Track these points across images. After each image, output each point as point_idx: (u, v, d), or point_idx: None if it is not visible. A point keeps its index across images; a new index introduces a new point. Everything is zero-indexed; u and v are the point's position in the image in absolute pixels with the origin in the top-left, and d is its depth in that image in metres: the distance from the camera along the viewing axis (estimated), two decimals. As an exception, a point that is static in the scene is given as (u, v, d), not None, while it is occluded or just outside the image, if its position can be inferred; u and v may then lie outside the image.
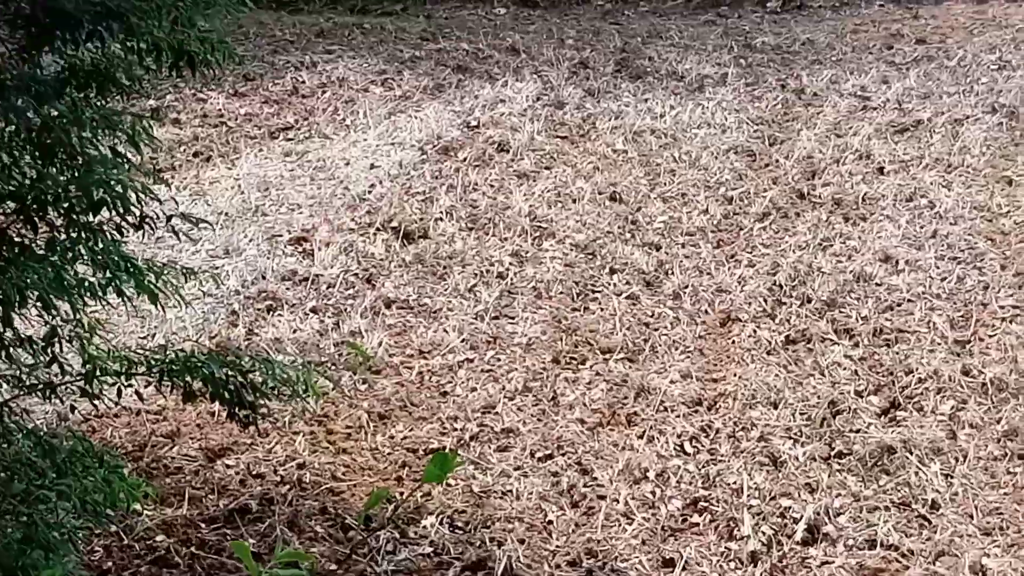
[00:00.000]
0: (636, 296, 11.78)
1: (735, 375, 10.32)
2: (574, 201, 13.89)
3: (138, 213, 4.83)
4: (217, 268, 12.12)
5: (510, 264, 12.40)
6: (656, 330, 11.15)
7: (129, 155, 5.18)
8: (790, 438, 9.45)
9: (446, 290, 11.90)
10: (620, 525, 8.50)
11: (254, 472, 9.02)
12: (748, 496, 8.70)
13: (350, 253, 12.61)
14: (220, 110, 16.65)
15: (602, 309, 11.55)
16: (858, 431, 9.53)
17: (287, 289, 11.83)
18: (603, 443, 9.39)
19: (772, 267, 12.29)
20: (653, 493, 8.80)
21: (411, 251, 12.63)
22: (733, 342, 10.94)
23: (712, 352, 10.79)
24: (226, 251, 12.60)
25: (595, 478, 8.96)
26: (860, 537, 8.41)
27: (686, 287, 11.90)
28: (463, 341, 10.94)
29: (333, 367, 10.42)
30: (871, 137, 15.60)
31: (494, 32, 20.52)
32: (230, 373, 6.62)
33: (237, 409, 6.84)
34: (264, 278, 12.05)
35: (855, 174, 14.53)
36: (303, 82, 17.74)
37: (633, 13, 22.05)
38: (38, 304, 4.36)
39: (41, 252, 4.46)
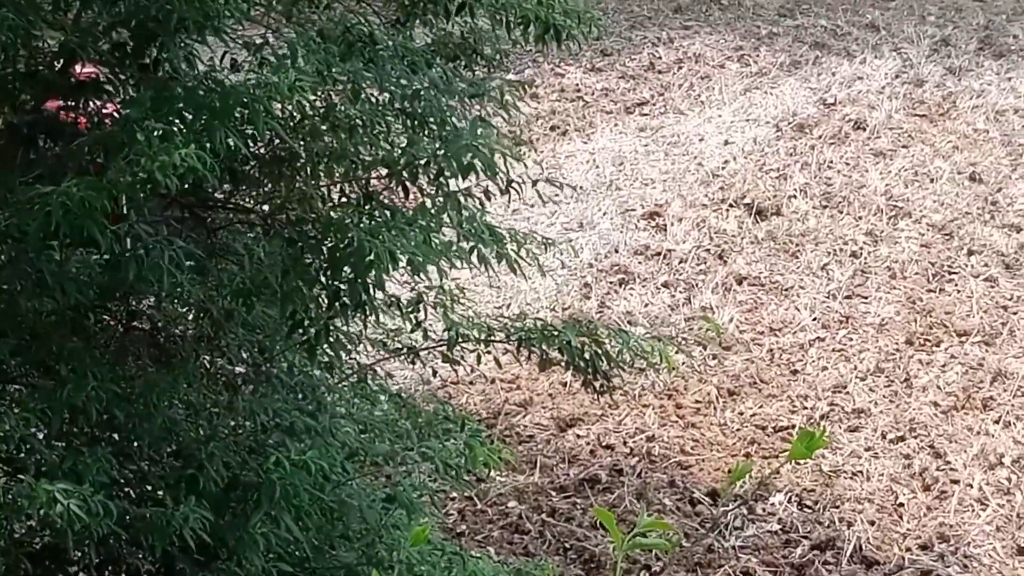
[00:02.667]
0: (995, 278, 11.50)
1: (1098, 362, 10.00)
2: (932, 181, 13.62)
3: (504, 178, 4.93)
4: (572, 240, 12.27)
5: (864, 243, 12.24)
6: (1015, 313, 10.87)
7: (496, 123, 5.31)
8: None
9: (798, 268, 11.82)
10: (974, 511, 8.34)
11: (604, 443, 9.12)
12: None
13: (702, 229, 12.62)
14: (577, 84, 16.81)
15: (959, 291, 11.32)
16: None
17: (639, 263, 11.90)
18: (957, 427, 9.21)
19: None
20: (1009, 480, 8.61)
21: (763, 228, 12.57)
22: (1097, 328, 10.60)
23: (1074, 338, 10.48)
24: (580, 224, 12.75)
25: (948, 462, 8.81)
26: None
27: (1048, 270, 11.58)
28: (814, 319, 10.85)
29: (683, 342, 10.45)
30: None
31: (853, 9, 20.19)
32: (586, 343, 6.71)
33: (592, 379, 6.93)
34: (617, 251, 12.15)
35: None
36: (659, 58, 17.79)
37: (998, -11, 21.44)
38: (407, 268, 4.51)
39: (411, 215, 4.60)
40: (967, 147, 14.48)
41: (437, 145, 4.78)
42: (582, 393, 8.96)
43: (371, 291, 4.56)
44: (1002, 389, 9.66)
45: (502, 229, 6.02)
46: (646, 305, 11.11)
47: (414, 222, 4.61)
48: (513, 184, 5.01)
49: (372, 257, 4.42)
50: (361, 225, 4.51)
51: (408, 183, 4.79)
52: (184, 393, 5.14)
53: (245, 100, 4.39)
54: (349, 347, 5.46)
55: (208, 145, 4.18)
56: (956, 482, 8.60)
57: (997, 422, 9.26)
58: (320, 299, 4.66)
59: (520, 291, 11.19)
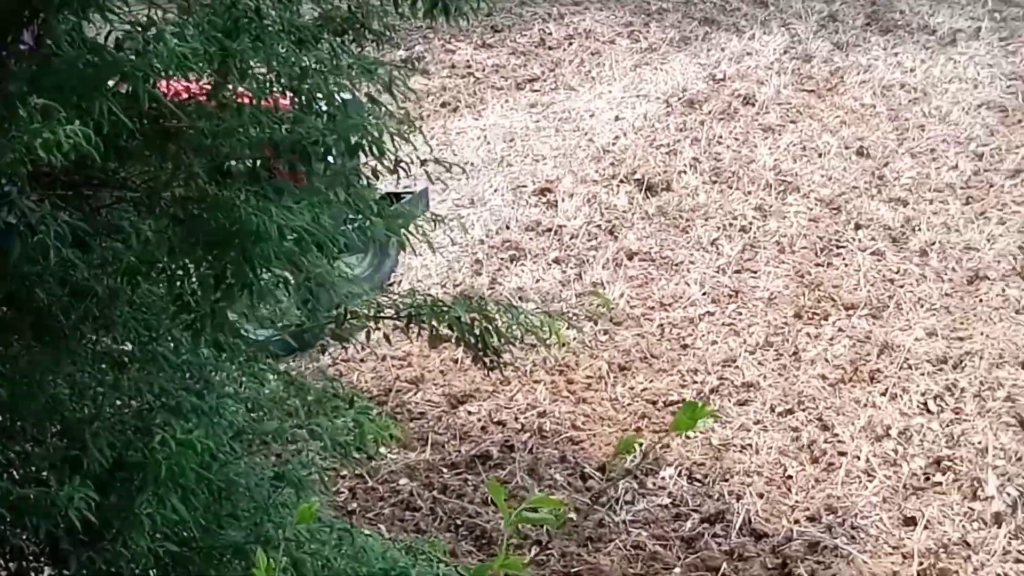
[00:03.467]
0: (882, 252, 11.63)
1: (982, 334, 10.13)
2: (820, 155, 13.75)
3: (393, 157, 4.90)
4: (463, 217, 12.27)
5: (753, 218, 12.33)
6: (901, 287, 11.00)
7: (387, 100, 5.28)
8: (1038, 400, 9.26)
9: (688, 243, 11.89)
10: (861, 482, 8.43)
11: (495, 419, 9.13)
12: (993, 456, 8.56)
13: (593, 205, 12.66)
14: (468, 61, 16.81)
15: (846, 265, 11.43)
16: (1110, 394, 9.30)
17: (530, 239, 11.93)
18: (845, 399, 9.31)
19: (1023, 225, 12.02)
20: (895, 451, 8.71)
21: (654, 203, 12.63)
22: (980, 300, 10.74)
23: (959, 310, 10.61)
24: (471, 201, 12.75)
25: (836, 434, 8.89)
26: (1109, 502, 8.22)
27: (933, 244, 11.71)
28: (704, 294, 10.92)
29: (575, 317, 10.48)
30: None
31: (741, -15, 20.33)
32: (476, 318, 6.70)
33: (483, 354, 6.92)
34: (508, 228, 12.16)
35: (1113, 131, 14.15)
36: (550, 34, 17.83)
37: (884, -35, 21.66)
38: (295, 246, 4.49)
39: (298, 194, 4.57)
40: (854, 122, 14.63)
41: (324, 124, 4.74)
42: (474, 370, 8.98)
43: (258, 270, 4.52)
44: (888, 362, 9.77)
45: (391, 207, 6.01)
46: (537, 281, 11.14)
47: (301, 200, 4.57)
48: (401, 164, 4.98)
49: (259, 234, 4.39)
50: (248, 202, 4.47)
51: (295, 162, 4.76)
52: (69, 372, 5.08)
53: (129, 72, 4.34)
54: (236, 327, 5.41)
55: (92, 122, 4.12)
56: (843, 454, 8.69)
57: (883, 394, 9.36)
58: (207, 280, 4.61)
59: (411, 268, 11.17)
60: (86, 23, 4.65)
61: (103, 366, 5.17)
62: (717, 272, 11.28)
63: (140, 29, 4.40)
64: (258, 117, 4.75)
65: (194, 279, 4.66)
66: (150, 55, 4.19)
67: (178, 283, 4.74)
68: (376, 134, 4.65)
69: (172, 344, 5.24)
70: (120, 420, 5.02)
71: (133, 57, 4.29)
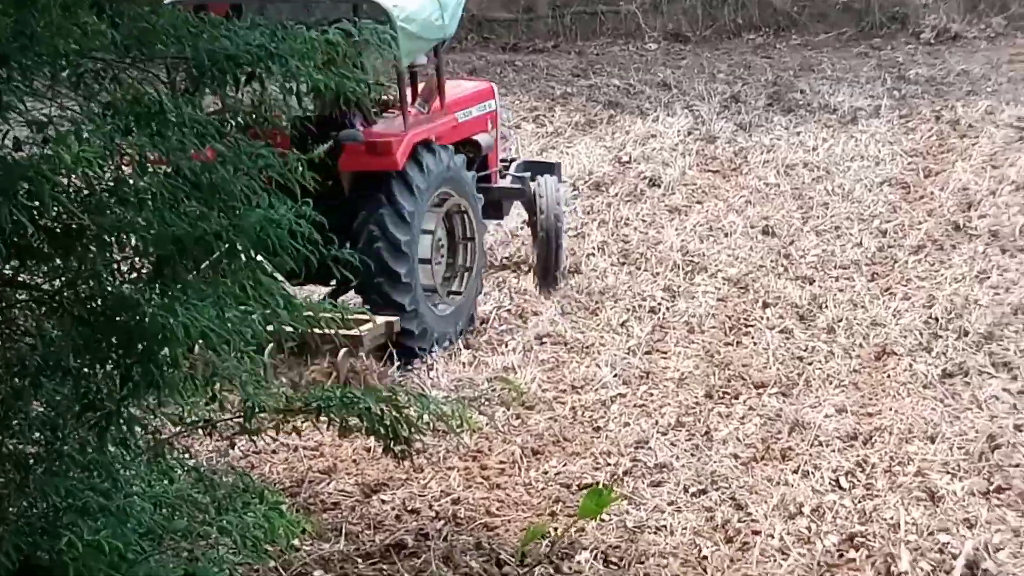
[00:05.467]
0: (790, 330, 11.71)
1: (891, 409, 10.21)
2: (726, 235, 13.86)
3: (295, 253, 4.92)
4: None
5: (662, 299, 12.40)
6: (810, 364, 11.07)
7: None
8: (948, 472, 9.33)
9: (598, 325, 11.93)
10: (775, 560, 8.44)
11: (409, 507, 9.08)
12: (905, 531, 8.60)
13: (503, 289, 12.69)
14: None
15: (755, 343, 11.50)
16: (1018, 465, 9.38)
17: (441, 325, 11.90)
18: (757, 478, 9.33)
19: (928, 300, 12.17)
20: (809, 528, 8.73)
21: (563, 286, 12.67)
22: (889, 376, 10.83)
23: (867, 386, 10.69)
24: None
25: (750, 513, 8.91)
26: (1021, 574, 8.27)
27: (840, 321, 11.81)
28: (615, 376, 10.94)
29: (486, 403, 10.47)
30: (1029, 168, 15.40)
31: (645, 67, 20.57)
32: (385, 408, 6.70)
33: (392, 444, 6.91)
34: (418, 314, 12.13)
35: (1012, 205, 14.34)
36: (456, 119, 17.88)
37: (785, 47, 21.97)
38: (200, 343, 4.47)
39: (204, 290, 4.56)
40: (759, 201, 14.77)
41: (229, 220, 4.75)
42: (386, 458, 8.93)
43: (165, 368, 4.50)
44: (800, 439, 9.82)
45: (298, 298, 6.00)
46: (448, 366, 11.12)
47: (207, 297, 4.57)
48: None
49: (165, 334, 4.37)
50: (153, 301, 4.46)
51: (200, 257, 4.76)
52: (-27, 475, 5.02)
53: (30, 174, 4.33)
54: (144, 423, 5.38)
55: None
56: (758, 533, 8.70)
57: (796, 472, 9.40)
58: (113, 378, 4.59)
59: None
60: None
61: (7, 467, 5.12)
62: (628, 354, 11.32)
63: (37, 128, 4.40)
64: (161, 212, 4.74)
65: (100, 378, 4.64)
66: (53, 159, 4.18)
67: (84, 382, 4.71)
68: (282, 228, 4.67)
69: (78, 444, 5.20)
70: (27, 522, 4.96)
71: (37, 159, 4.28)
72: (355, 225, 11.15)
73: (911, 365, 10.94)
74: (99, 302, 4.60)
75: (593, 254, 13.36)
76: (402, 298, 11.17)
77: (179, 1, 9.54)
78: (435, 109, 11.84)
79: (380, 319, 10.78)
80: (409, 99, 11.63)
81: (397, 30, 10.65)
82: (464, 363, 11.20)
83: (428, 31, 11.46)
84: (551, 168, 13.08)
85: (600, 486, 8.93)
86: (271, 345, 9.61)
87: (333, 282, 11.32)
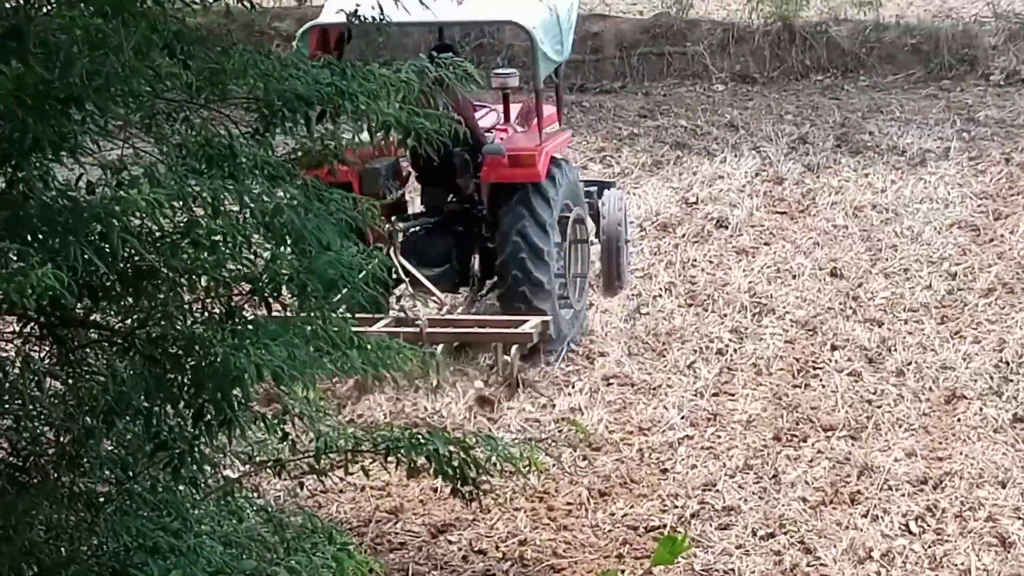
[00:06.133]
0: (858, 373, 11.63)
1: (961, 454, 10.12)
2: (794, 277, 13.80)
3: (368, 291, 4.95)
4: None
5: (729, 340, 12.35)
6: (879, 407, 11.00)
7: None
8: (1019, 518, 9.24)
9: (665, 366, 11.89)
10: (845, 605, 8.37)
11: (476, 548, 9.07)
12: (976, 577, 8.52)
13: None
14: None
15: (823, 386, 11.44)
16: (1091, 512, 9.29)
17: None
18: (826, 522, 9.27)
19: (998, 343, 12.06)
20: (879, 573, 8.67)
21: (630, 327, 12.64)
22: (959, 420, 10.74)
23: (937, 430, 10.61)
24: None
25: (818, 557, 8.85)
26: (1094, 621, 8.18)
27: (909, 364, 11.72)
28: (683, 418, 10.90)
29: (553, 443, 10.45)
30: (1100, 209, 15.28)
31: (712, 108, 20.52)
32: (453, 450, 6.71)
33: (460, 485, 6.91)
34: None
35: (1085, 248, 14.23)
36: (523, 160, 17.89)
37: (853, 88, 21.87)
38: (272, 381, 4.49)
39: (275, 330, 4.58)
40: (827, 243, 14.70)
41: (300, 261, 4.77)
42: (454, 499, 8.93)
43: (236, 408, 4.52)
44: (869, 483, 9.75)
45: (367, 338, 6.02)
46: (515, 408, 11.11)
47: (278, 336, 4.58)
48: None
49: (237, 373, 4.39)
50: (225, 341, 4.48)
51: (271, 298, 4.78)
52: (45, 514, 5.05)
53: (101, 216, 4.36)
54: (215, 462, 5.41)
55: (64, 264, 4.13)
56: (827, 577, 8.64)
57: (865, 516, 9.33)
58: (184, 417, 4.61)
59: (390, 396, 11.13)
60: (57, 165, 4.68)
61: (79, 507, 5.14)
62: (695, 395, 11.28)
63: (111, 171, 4.43)
64: (233, 254, 4.77)
65: (171, 418, 4.66)
66: (125, 201, 4.21)
67: (155, 422, 4.74)
68: (352, 268, 4.68)
69: (149, 483, 5.22)
70: (97, 562, 4.99)
71: (109, 201, 4.31)
72: (497, 235, 11.91)
73: (981, 409, 10.85)
74: (170, 342, 4.63)
75: (660, 295, 13.33)
76: (544, 304, 11.77)
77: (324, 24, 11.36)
78: (532, 128, 12.49)
79: (535, 319, 11.55)
80: (509, 117, 12.74)
81: (537, 51, 11.88)
82: (531, 404, 11.18)
83: (556, 54, 12.36)
84: (608, 186, 13.81)
85: (673, 533, 8.88)
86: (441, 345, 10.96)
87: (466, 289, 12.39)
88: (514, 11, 12.27)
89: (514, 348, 11.23)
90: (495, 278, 12.17)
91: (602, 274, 13.31)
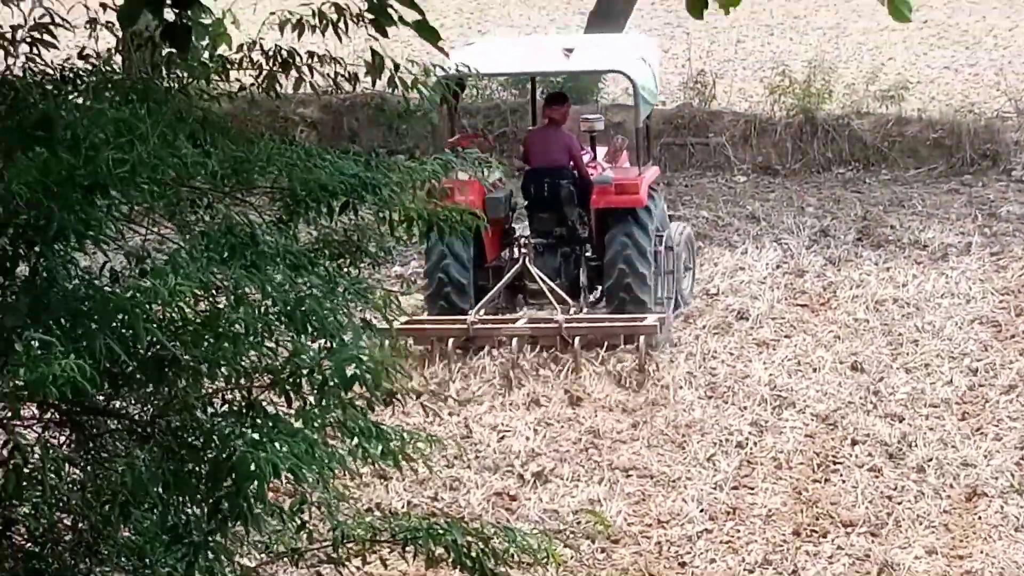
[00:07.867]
0: (879, 468, 11.58)
1: (982, 552, 10.06)
2: (815, 370, 13.76)
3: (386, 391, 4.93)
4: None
5: (749, 433, 12.30)
6: (899, 503, 10.93)
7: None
8: (1040, 619, 9.17)
9: (685, 459, 11.84)
10: None
11: (494, 640, 9.00)
12: None
13: (584, 420, 12.64)
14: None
15: (843, 481, 11.38)
16: (1112, 613, 9.21)
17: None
18: (846, 619, 9.20)
19: (1020, 440, 12.00)
20: (899, 673, 8.59)
21: (650, 418, 12.60)
22: (979, 518, 10.67)
23: (958, 527, 10.54)
24: (466, 425, 12.67)
25: (839, 655, 8.78)
26: None
27: (930, 460, 11.66)
28: (702, 511, 10.85)
29: (572, 535, 10.40)
30: (1124, 304, 15.23)
31: (734, 200, 20.51)
32: (472, 540, 6.67)
33: (479, 576, 6.86)
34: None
35: (1109, 343, 14.17)
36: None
37: (875, 181, 21.85)
38: (289, 477, 4.48)
39: (294, 427, 4.57)
40: (848, 337, 14.66)
41: (322, 355, 4.76)
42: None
43: (252, 502, 4.50)
44: (888, 581, 9.68)
45: (388, 427, 6.00)
46: (532, 499, 11.07)
47: (298, 432, 4.57)
48: (396, 396, 5.00)
49: (255, 471, 4.37)
50: (244, 436, 4.46)
51: (292, 392, 4.77)
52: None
53: (125, 306, 4.36)
54: (231, 552, 5.38)
55: (87, 353, 4.13)
56: (848, 676, 8.57)
57: (885, 613, 9.27)
58: (201, 509, 4.59)
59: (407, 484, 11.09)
60: (80, 253, 4.69)
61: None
62: (714, 488, 11.23)
63: (135, 260, 4.44)
64: (254, 344, 4.77)
65: (188, 508, 4.65)
66: (150, 292, 4.22)
67: (172, 512, 4.72)
68: (372, 365, 4.67)
69: (167, 571, 5.20)
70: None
71: (132, 291, 4.31)
72: (606, 260, 13.95)
73: (1003, 507, 10.78)
74: (189, 432, 4.62)
75: (680, 387, 13.29)
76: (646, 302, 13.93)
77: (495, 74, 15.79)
78: (620, 162, 14.64)
79: (652, 316, 13.71)
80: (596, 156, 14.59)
81: (639, 96, 14.12)
82: (549, 494, 11.14)
83: (651, 97, 14.67)
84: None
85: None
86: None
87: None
88: (618, 62, 14.80)
89: (642, 338, 13.18)
90: (599, 289, 14.24)
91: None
